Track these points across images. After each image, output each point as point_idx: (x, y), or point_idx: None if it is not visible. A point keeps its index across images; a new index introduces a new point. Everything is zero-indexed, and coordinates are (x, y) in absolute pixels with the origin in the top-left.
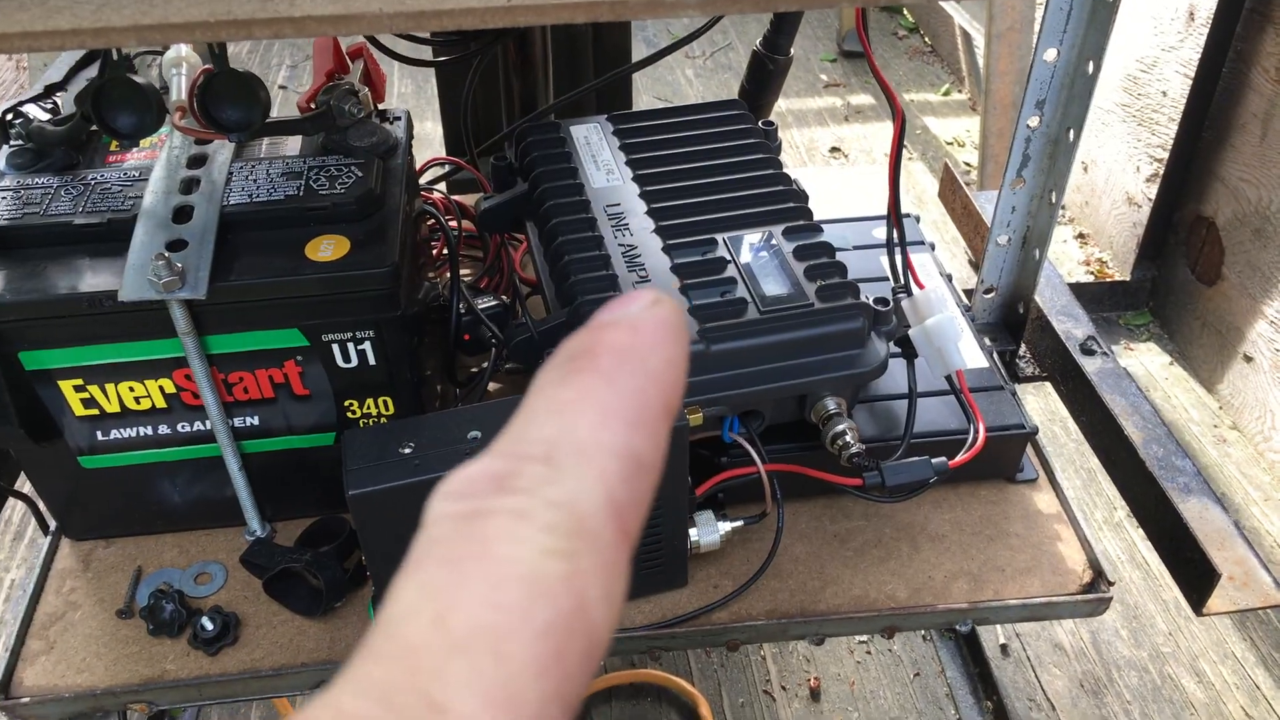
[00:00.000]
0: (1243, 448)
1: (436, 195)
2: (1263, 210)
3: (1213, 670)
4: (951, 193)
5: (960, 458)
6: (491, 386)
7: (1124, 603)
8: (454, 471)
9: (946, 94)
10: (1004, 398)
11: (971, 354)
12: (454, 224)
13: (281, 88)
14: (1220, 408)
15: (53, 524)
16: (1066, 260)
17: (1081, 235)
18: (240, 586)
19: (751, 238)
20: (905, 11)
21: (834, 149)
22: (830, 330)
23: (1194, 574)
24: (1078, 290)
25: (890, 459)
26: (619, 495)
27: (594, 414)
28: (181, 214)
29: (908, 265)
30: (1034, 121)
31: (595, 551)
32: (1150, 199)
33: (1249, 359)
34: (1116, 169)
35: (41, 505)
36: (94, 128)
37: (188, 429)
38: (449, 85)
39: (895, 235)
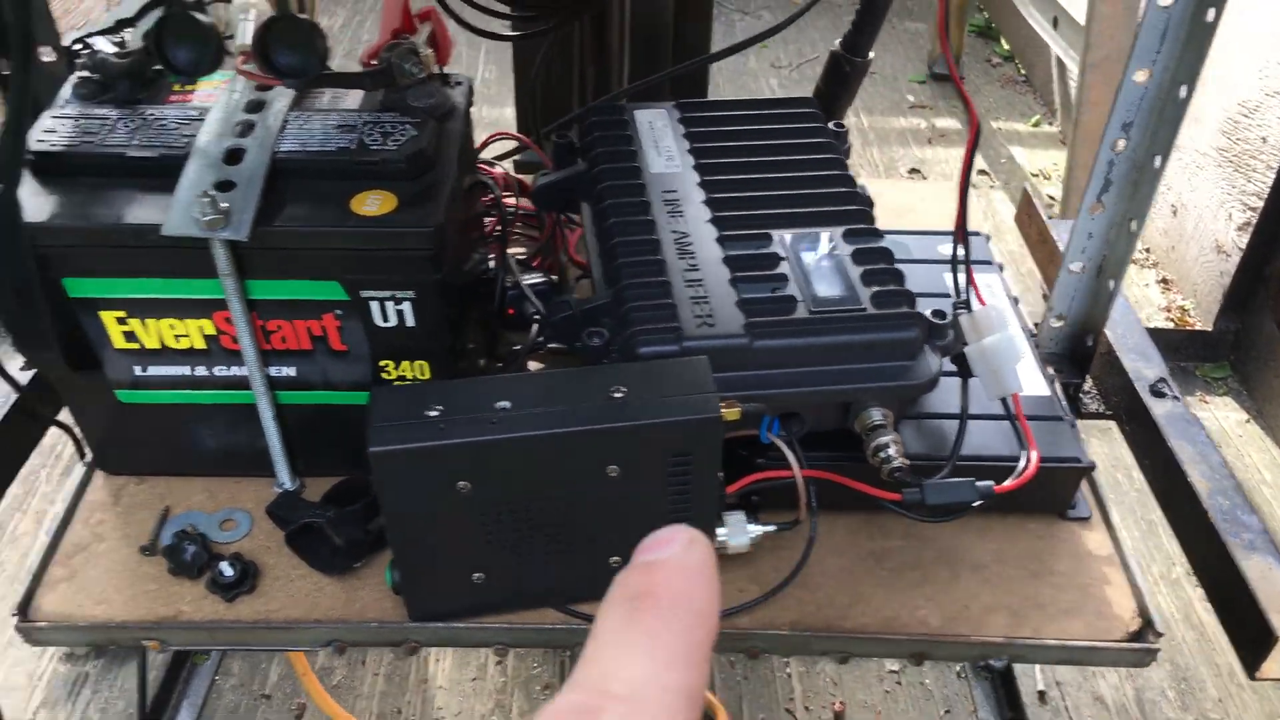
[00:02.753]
0: None
1: (498, 170)
2: None
3: None
4: (1028, 217)
5: (1008, 483)
6: (531, 365)
7: (1174, 663)
8: (547, 706)
9: (1036, 125)
10: (1062, 429)
11: (1032, 380)
12: (511, 200)
13: None
14: None
15: (89, 455)
16: (1147, 305)
17: (1165, 280)
18: (264, 537)
19: (809, 237)
20: (1002, 39)
21: (913, 170)
22: (881, 338)
23: (1250, 635)
24: (1155, 335)
25: (933, 478)
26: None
27: (660, 656)
28: (233, 156)
29: (970, 280)
30: (1119, 145)
31: None
32: (1240, 248)
33: None
34: (1207, 215)
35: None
36: (157, 66)
37: (224, 373)
38: (524, 66)
39: (959, 248)
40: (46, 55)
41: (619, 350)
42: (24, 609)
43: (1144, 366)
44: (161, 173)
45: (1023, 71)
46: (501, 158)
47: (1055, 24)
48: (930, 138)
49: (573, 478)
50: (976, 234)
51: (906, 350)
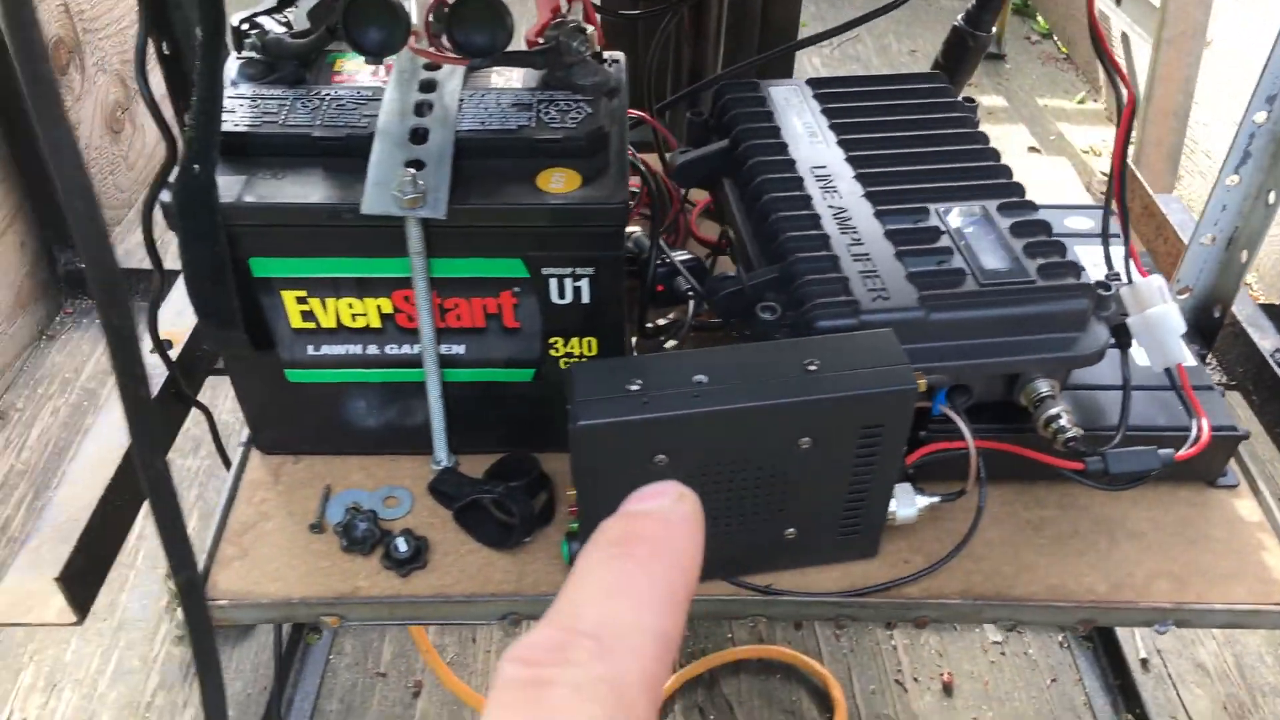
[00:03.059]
0: None
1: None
2: None
3: None
4: (1130, 192)
5: (1186, 451)
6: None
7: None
8: (518, 639)
9: (1081, 102)
10: (1214, 398)
11: (1184, 351)
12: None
13: None
14: None
15: (243, 436)
16: None
17: None
18: (425, 513)
19: (964, 210)
20: (1039, 16)
21: None
22: (1053, 309)
23: None
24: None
25: (1103, 447)
26: (652, 671)
27: (634, 599)
28: (417, 135)
29: (1130, 252)
30: (1260, 118)
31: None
32: None
33: None
34: None
35: (218, 420)
36: (331, 46)
37: (395, 351)
38: (617, 44)
39: (1117, 222)
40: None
41: (791, 324)
42: (202, 587)
43: (1261, 338)
44: (346, 153)
45: (1063, 49)
46: None
47: (1119, 1)
48: (980, 117)
49: (765, 450)
50: (1101, 208)
51: (1077, 321)
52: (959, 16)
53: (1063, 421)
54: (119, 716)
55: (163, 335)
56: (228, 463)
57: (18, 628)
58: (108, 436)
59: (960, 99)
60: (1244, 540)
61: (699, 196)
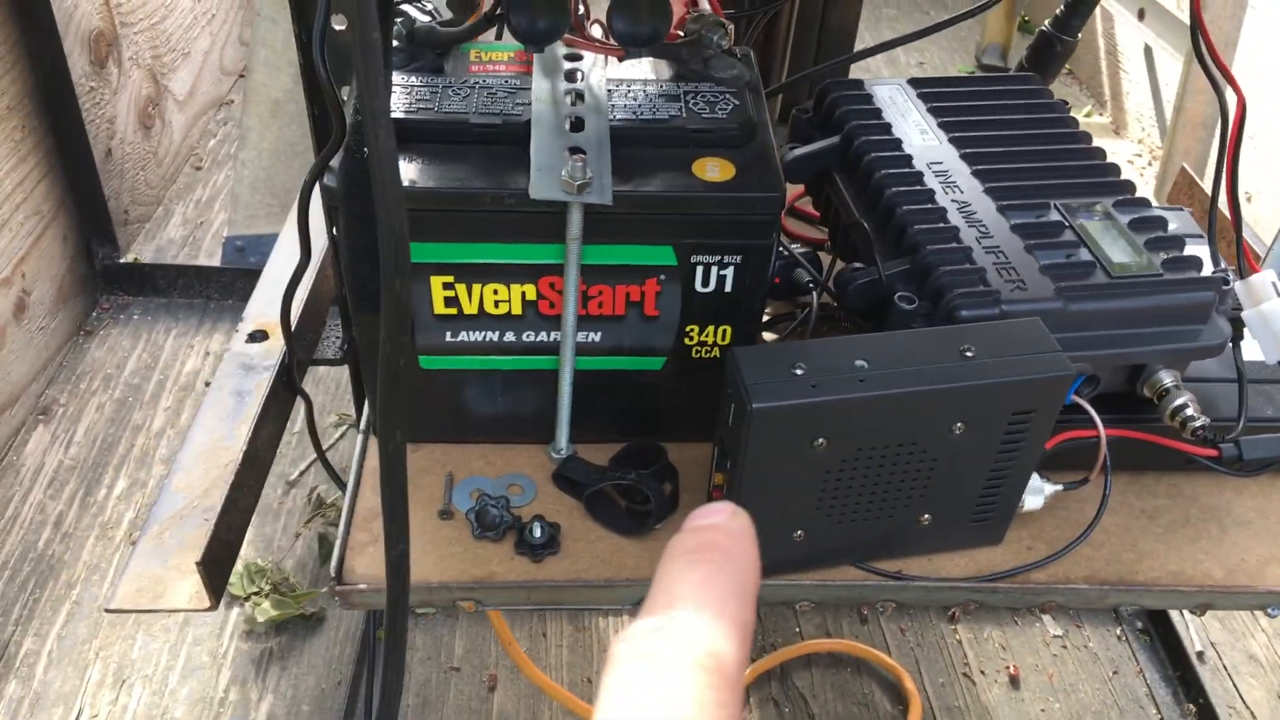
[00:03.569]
0: None
1: None
2: None
3: None
4: (1189, 196)
5: None
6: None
7: None
8: (625, 630)
9: (1088, 115)
10: None
11: None
12: None
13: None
14: None
15: (362, 423)
16: None
17: None
18: (550, 501)
19: (1084, 205)
20: None
21: None
22: (1180, 301)
23: None
24: None
25: (1228, 435)
26: (741, 650)
27: (718, 591)
28: (573, 124)
29: (1241, 248)
30: None
31: (733, 689)
32: None
33: None
34: None
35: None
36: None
37: (532, 338)
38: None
39: (1228, 218)
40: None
41: (927, 315)
42: (339, 573)
43: None
44: (502, 140)
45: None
46: None
47: (1141, 15)
48: None
49: (920, 435)
50: (1180, 209)
51: (1201, 314)
52: (1045, 21)
53: (1190, 411)
54: (192, 712)
55: (256, 327)
56: (319, 448)
57: (149, 614)
58: (215, 427)
59: (1056, 100)
60: None
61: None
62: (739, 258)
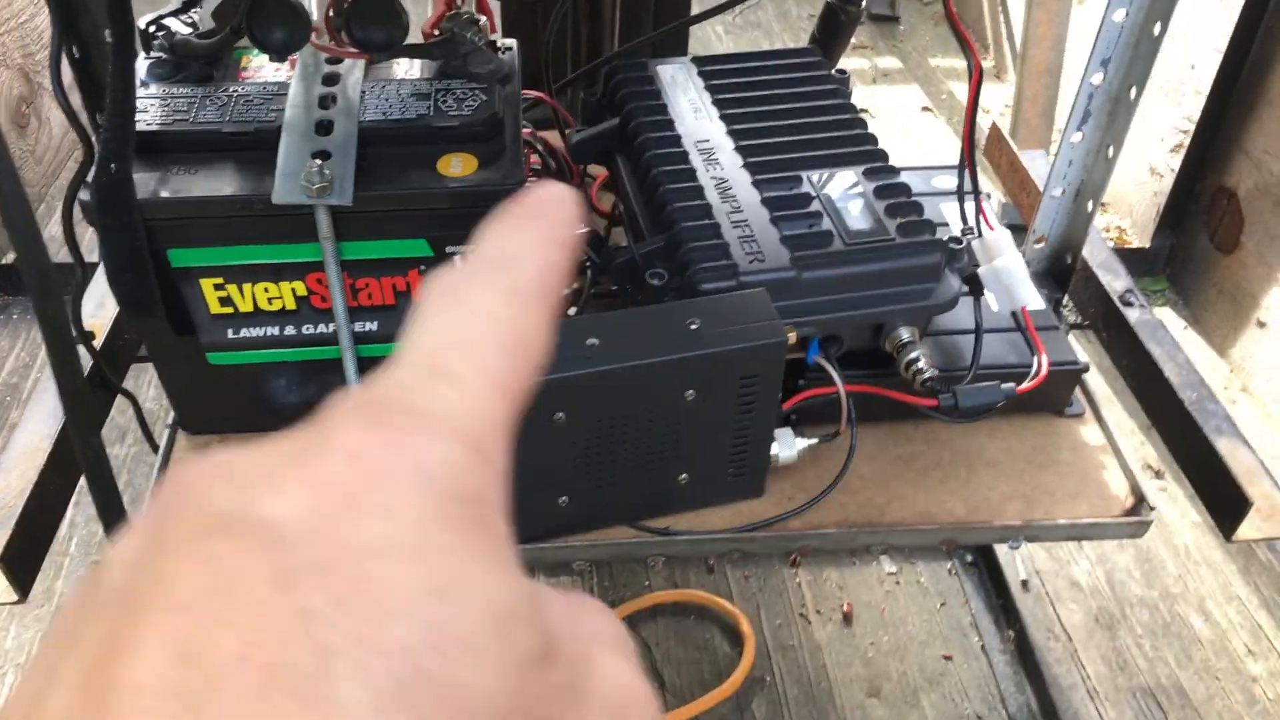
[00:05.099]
0: (1253, 409)
1: (525, 129)
2: None
3: (1219, 610)
4: (998, 150)
5: (1026, 385)
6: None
7: (1137, 546)
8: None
9: None
10: (1058, 337)
11: (1032, 296)
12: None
13: None
14: (1231, 371)
15: (168, 419)
16: None
17: (1102, 203)
18: None
19: (834, 176)
20: None
21: (862, 109)
22: (910, 264)
23: (1226, 505)
24: None
25: (958, 384)
26: (548, 280)
27: (528, 234)
28: (322, 127)
29: (979, 209)
30: (1097, 79)
31: (536, 302)
32: (1173, 169)
33: (1262, 324)
34: (1141, 140)
35: (142, 406)
36: (238, 45)
37: (311, 331)
38: (515, 25)
39: (968, 181)
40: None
41: (677, 289)
42: None
43: (1113, 280)
44: (256, 146)
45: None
46: None
47: None
48: (875, 77)
49: (655, 403)
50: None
51: (932, 273)
52: None
53: (921, 364)
54: None
55: (86, 325)
56: (154, 446)
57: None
58: (37, 426)
59: (834, 71)
60: (1088, 463)
61: (600, 171)
62: None
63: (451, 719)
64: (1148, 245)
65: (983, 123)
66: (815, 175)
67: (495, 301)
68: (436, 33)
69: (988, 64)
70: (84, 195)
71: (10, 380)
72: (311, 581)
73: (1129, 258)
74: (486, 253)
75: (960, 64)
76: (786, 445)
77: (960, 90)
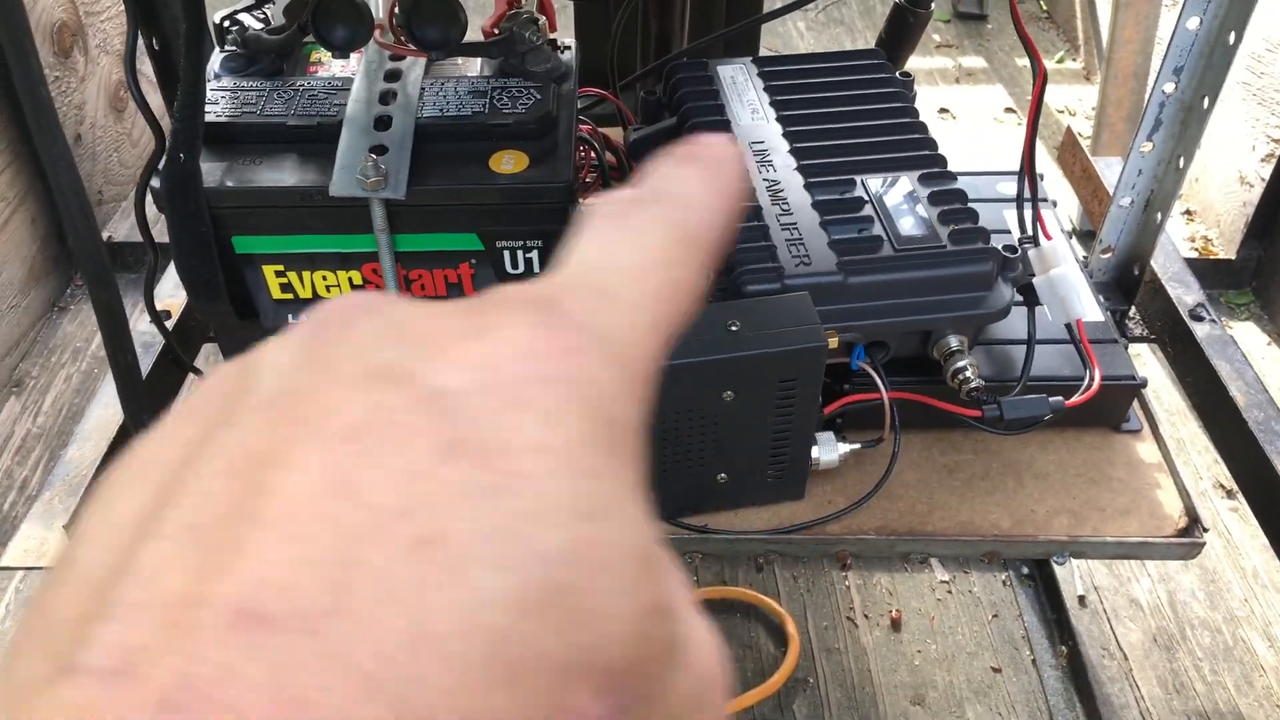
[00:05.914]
0: None
1: (585, 125)
2: None
3: None
4: (1072, 156)
5: (1076, 399)
6: None
7: (1203, 567)
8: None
9: (1060, 61)
10: (1117, 350)
11: (1089, 307)
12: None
13: None
14: None
15: None
16: (1172, 235)
17: (1189, 212)
18: None
19: (889, 181)
20: None
21: (943, 109)
22: (960, 271)
23: None
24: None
25: (1006, 396)
26: (713, 228)
27: (699, 181)
28: (381, 123)
29: (1037, 217)
30: (1169, 88)
31: (699, 250)
32: (1264, 179)
33: None
34: (1231, 148)
35: None
36: (306, 38)
37: None
38: (587, 22)
39: (1027, 188)
40: None
41: (724, 290)
42: None
43: (1184, 293)
44: (319, 139)
45: (1045, 7)
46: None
47: None
48: (958, 77)
49: (694, 402)
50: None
51: (983, 282)
52: None
53: (967, 373)
54: None
55: (161, 306)
56: None
57: (34, 571)
58: (112, 400)
59: (897, 74)
60: (1141, 480)
61: None
62: (540, 242)
63: (577, 641)
64: (1234, 256)
65: (1072, 125)
66: (870, 179)
67: (664, 239)
68: (496, 31)
69: (1078, 65)
70: (155, 183)
71: (99, 354)
72: (474, 461)
73: (1213, 269)
74: (656, 187)
75: (1048, 64)
76: (828, 449)
77: (1048, 91)
